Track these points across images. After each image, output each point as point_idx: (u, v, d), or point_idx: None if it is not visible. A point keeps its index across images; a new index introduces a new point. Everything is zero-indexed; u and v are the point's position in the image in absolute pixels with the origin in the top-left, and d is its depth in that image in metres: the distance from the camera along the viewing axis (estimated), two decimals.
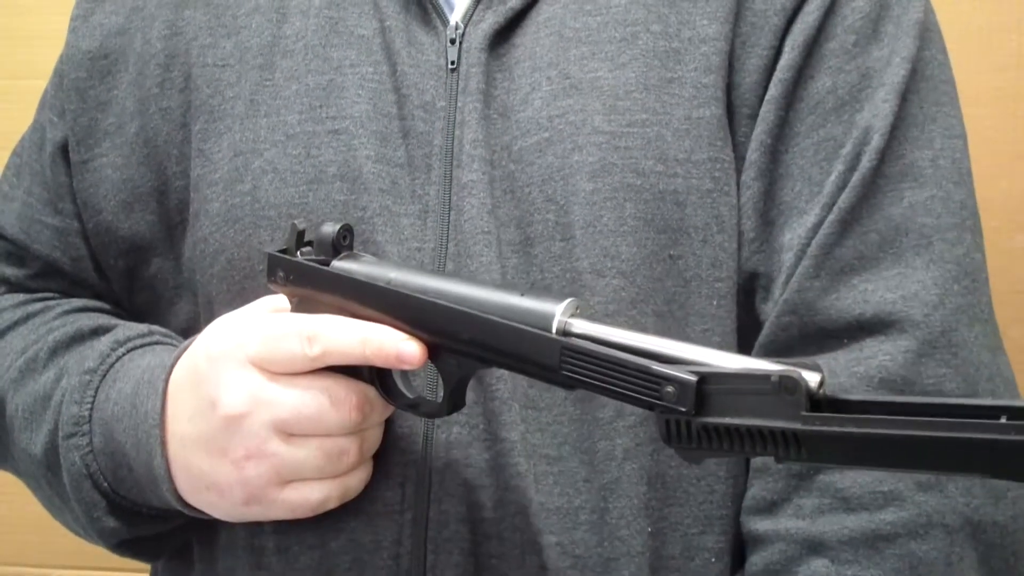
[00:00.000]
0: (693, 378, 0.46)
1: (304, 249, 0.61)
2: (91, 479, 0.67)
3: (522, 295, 0.53)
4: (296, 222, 0.61)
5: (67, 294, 0.79)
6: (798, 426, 0.44)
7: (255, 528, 0.66)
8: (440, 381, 0.58)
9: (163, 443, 0.63)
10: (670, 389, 0.47)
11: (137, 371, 0.67)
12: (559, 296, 0.53)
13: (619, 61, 0.65)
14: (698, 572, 0.63)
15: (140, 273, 0.76)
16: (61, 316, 0.76)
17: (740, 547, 0.65)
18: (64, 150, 0.76)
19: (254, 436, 0.60)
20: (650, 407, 0.48)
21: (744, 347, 0.65)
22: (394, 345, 0.56)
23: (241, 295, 0.67)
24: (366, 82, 0.67)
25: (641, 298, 0.63)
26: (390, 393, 0.60)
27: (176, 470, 0.63)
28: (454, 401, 0.58)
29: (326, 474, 0.61)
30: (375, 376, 0.60)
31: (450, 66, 0.66)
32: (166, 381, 0.64)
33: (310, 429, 0.59)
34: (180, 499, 0.64)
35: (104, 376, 0.68)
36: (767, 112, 0.65)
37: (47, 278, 0.79)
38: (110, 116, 0.74)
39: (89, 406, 0.68)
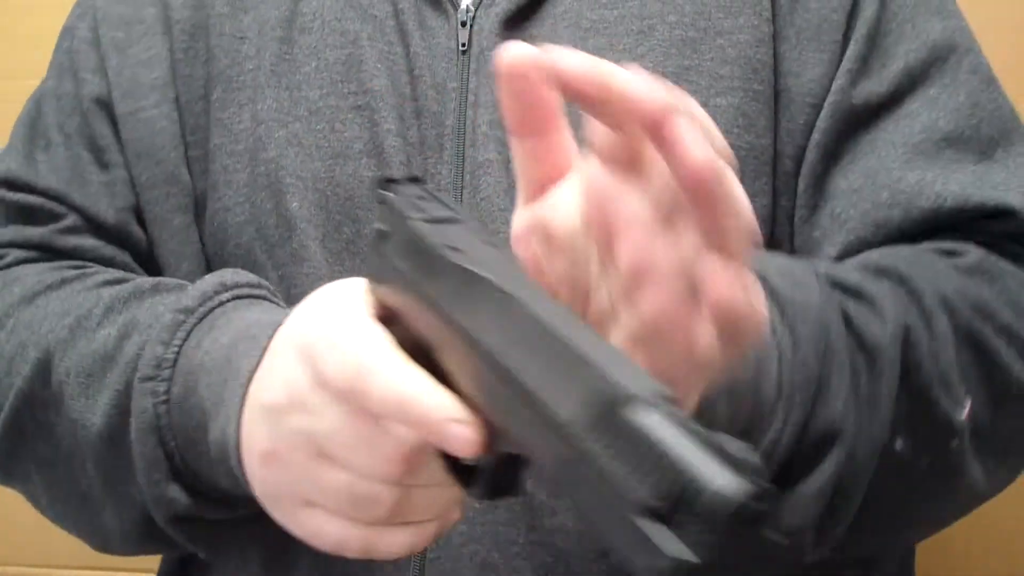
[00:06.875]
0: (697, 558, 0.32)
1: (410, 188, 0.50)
2: (159, 433, 0.58)
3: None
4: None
5: (95, 255, 0.73)
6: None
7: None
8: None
9: (242, 406, 0.53)
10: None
11: (241, 323, 0.57)
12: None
13: (636, 52, 0.67)
14: None
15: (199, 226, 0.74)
16: (103, 285, 0.68)
17: None
18: (103, 104, 0.75)
19: (283, 437, 0.51)
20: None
21: None
22: (440, 423, 0.43)
23: (271, 260, 0.68)
24: (384, 57, 0.69)
25: None
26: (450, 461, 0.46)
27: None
28: (496, 483, 0.44)
29: (349, 515, 0.50)
30: None
31: (461, 48, 0.69)
32: (270, 338, 0.54)
33: (341, 458, 0.49)
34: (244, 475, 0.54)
35: (202, 319, 0.59)
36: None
37: (79, 233, 0.73)
38: (154, 71, 0.75)
39: (177, 349, 0.59)
